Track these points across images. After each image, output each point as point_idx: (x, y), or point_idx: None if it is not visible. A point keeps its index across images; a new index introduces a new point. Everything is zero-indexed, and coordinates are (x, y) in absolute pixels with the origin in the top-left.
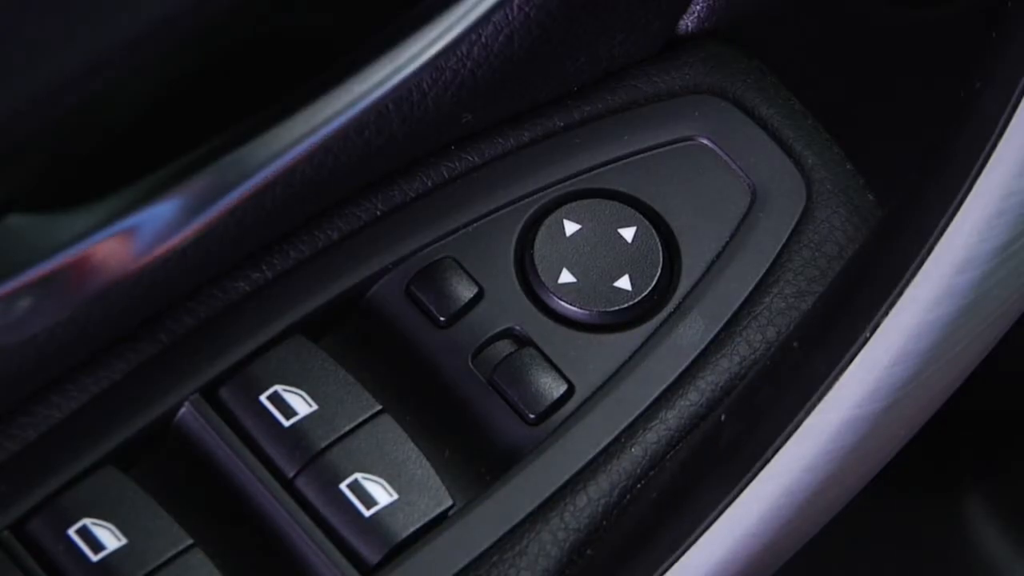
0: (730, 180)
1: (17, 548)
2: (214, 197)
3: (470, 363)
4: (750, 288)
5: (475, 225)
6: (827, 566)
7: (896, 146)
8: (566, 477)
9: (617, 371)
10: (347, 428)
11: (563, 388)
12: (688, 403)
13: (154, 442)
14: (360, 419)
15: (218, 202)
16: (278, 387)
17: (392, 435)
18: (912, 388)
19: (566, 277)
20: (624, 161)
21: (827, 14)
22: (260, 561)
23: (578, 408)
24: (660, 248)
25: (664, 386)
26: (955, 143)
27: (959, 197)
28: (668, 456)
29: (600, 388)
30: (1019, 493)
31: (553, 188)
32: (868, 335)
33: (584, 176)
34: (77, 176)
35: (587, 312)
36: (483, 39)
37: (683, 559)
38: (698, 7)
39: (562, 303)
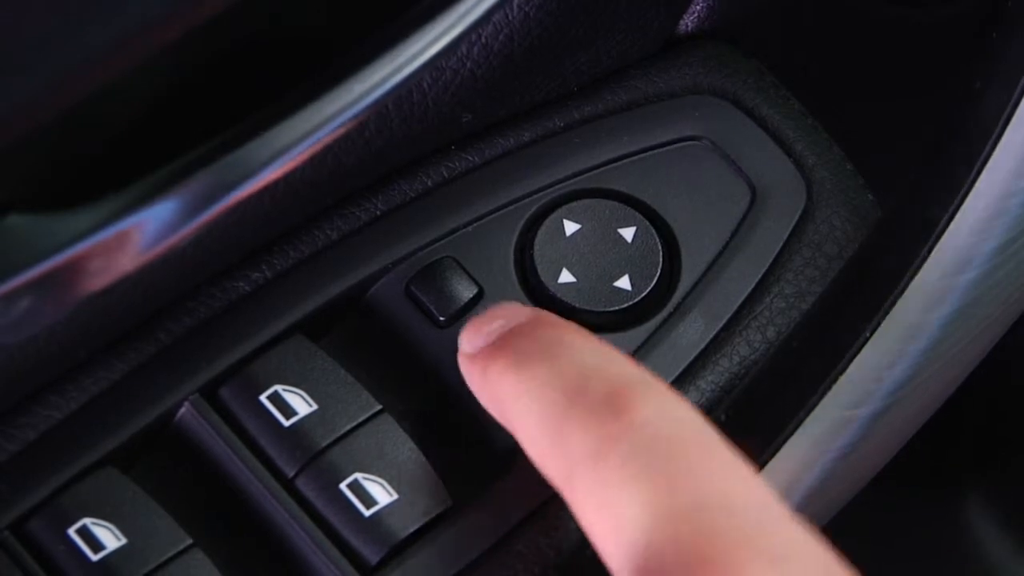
0: (730, 180)
1: (17, 548)
2: (214, 197)
3: None
4: (750, 288)
5: (475, 225)
6: None
7: (896, 146)
8: None
9: None
10: (347, 428)
11: None
12: None
13: (154, 442)
14: (360, 419)
15: (218, 202)
16: (278, 387)
17: (392, 435)
18: (912, 388)
19: (566, 277)
20: (624, 161)
21: (827, 14)
22: (260, 561)
23: None
24: (660, 248)
25: None
26: (955, 143)
27: (959, 197)
28: None
29: None
30: (1019, 493)
31: (553, 188)
32: (868, 335)
33: (584, 176)
34: (77, 176)
35: (587, 312)
36: (483, 39)
37: None
38: (698, 7)
39: (562, 303)
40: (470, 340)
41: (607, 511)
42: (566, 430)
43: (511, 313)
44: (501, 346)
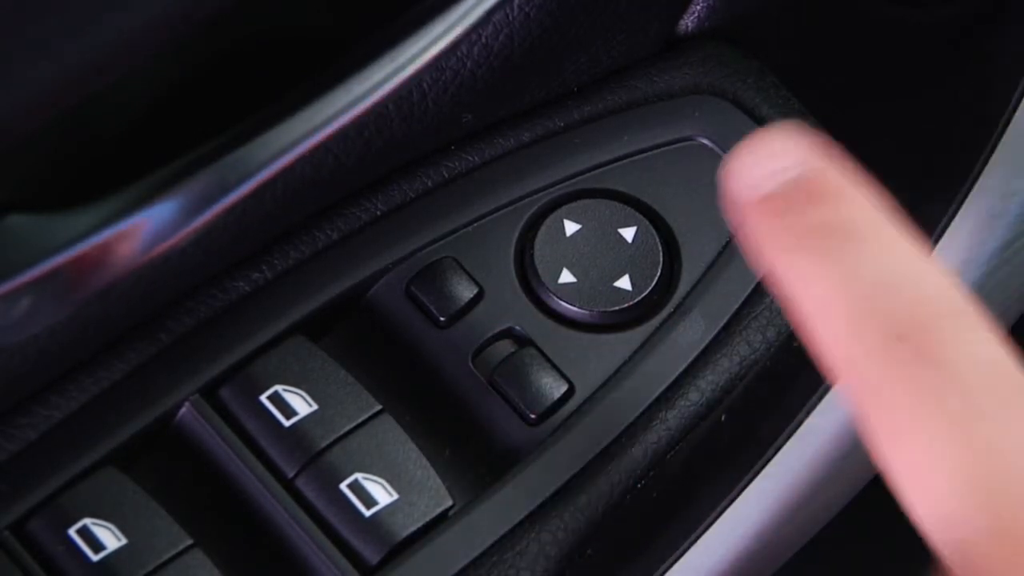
0: None
1: (17, 548)
2: (214, 197)
3: (470, 363)
4: (750, 288)
5: (475, 225)
6: (827, 565)
7: (896, 146)
8: (566, 477)
9: (617, 371)
10: (347, 428)
11: (563, 388)
12: (688, 403)
13: (154, 442)
14: (360, 419)
15: (218, 202)
16: (278, 387)
17: (392, 435)
18: None
19: (566, 277)
20: (624, 161)
21: (827, 14)
22: (260, 561)
23: (578, 408)
24: (660, 248)
25: (664, 386)
26: (955, 143)
27: (959, 197)
28: (668, 456)
29: (600, 388)
30: None
31: (553, 188)
32: None
33: (584, 176)
34: (78, 176)
35: (587, 312)
36: (483, 39)
37: (684, 559)
38: (698, 7)
39: (562, 303)
40: (748, 177)
41: (917, 473)
42: (872, 353)
43: (800, 156)
44: (793, 212)
